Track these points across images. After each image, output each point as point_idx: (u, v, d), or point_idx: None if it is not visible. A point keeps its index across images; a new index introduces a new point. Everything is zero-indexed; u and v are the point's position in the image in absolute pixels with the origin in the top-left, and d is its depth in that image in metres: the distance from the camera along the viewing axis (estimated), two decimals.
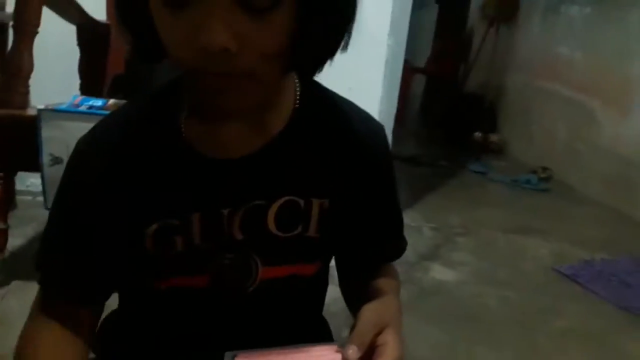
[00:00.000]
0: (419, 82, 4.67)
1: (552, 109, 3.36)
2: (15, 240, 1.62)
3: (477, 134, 3.78)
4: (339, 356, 0.48)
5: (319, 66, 0.49)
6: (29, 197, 1.91)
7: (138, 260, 0.54)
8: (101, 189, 0.52)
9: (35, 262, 0.57)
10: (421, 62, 4.60)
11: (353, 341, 0.48)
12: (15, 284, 1.51)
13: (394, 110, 2.10)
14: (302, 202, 0.56)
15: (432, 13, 4.64)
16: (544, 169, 3.16)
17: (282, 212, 0.55)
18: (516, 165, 3.36)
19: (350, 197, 0.59)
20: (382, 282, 0.62)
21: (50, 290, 0.56)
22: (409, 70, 3.39)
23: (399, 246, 0.66)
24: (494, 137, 3.79)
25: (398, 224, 0.65)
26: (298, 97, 0.56)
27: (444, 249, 1.96)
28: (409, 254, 0.72)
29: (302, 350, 0.49)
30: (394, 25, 2.01)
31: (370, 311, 0.52)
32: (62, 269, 0.55)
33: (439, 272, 1.80)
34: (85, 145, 0.55)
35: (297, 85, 0.56)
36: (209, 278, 0.55)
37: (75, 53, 1.77)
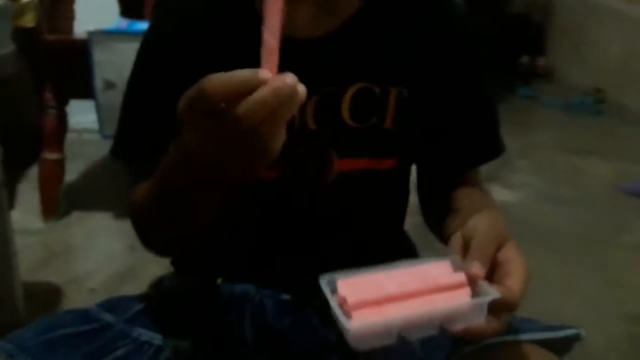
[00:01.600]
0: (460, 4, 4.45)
1: (605, 26, 3.15)
2: (69, 176, 1.62)
3: (524, 58, 3.61)
4: (460, 275, 0.39)
5: None
6: (75, 135, 1.90)
7: None
8: (177, 62, 0.50)
9: (114, 149, 0.56)
10: None
11: (474, 256, 0.40)
12: (76, 214, 1.53)
13: None
14: (377, 89, 0.51)
15: None
16: (598, 90, 3.00)
17: (357, 100, 0.51)
18: (567, 89, 3.20)
19: (433, 87, 0.53)
20: (479, 195, 0.56)
21: (138, 171, 0.52)
22: None
23: (493, 145, 0.58)
24: (541, 61, 3.61)
25: (489, 119, 0.57)
26: None
27: (504, 172, 1.89)
28: None
29: (414, 271, 0.39)
30: None
31: (485, 223, 0.43)
32: (146, 145, 0.51)
33: (500, 194, 1.74)
34: (161, 19, 0.54)
35: None
36: (281, 171, 0.51)
37: None
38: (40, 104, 1.41)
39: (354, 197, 0.54)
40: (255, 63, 0.36)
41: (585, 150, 2.19)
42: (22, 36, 1.50)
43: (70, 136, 1.56)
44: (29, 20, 1.61)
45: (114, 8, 1.65)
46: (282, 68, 0.48)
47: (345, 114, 0.51)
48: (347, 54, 0.50)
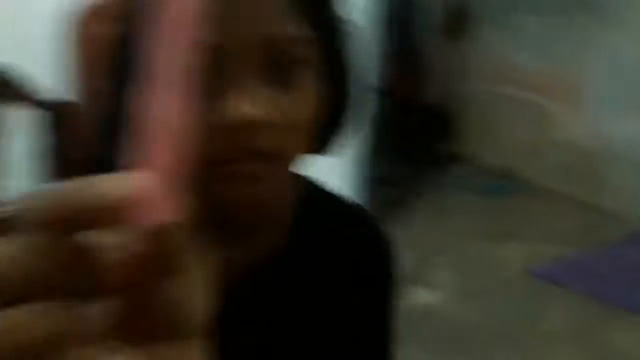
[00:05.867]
0: (383, 104, 4.76)
1: (508, 111, 3.49)
2: None
3: (440, 145, 3.87)
4: None
5: None
6: None
7: None
8: None
9: None
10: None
11: None
12: None
13: (362, 138, 2.12)
14: None
15: (378, 35, 4.75)
16: (508, 170, 3.25)
17: None
18: (481, 172, 3.44)
19: None
20: None
21: None
22: None
23: None
24: (456, 147, 3.88)
25: None
26: None
27: (423, 270, 1.97)
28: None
29: None
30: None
31: None
32: None
33: (422, 296, 1.80)
34: None
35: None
36: None
37: None
38: None
39: None
40: None
41: (499, 234, 2.31)
42: None
43: None
44: None
45: None
46: None
47: None
48: None
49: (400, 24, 4.54)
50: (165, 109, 0.16)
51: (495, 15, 3.72)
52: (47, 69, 1.67)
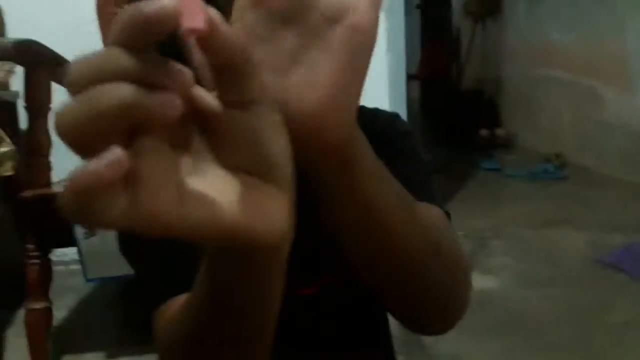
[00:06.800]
0: (414, 88, 4.69)
1: (554, 94, 3.37)
2: (58, 313, 1.61)
3: (483, 131, 3.79)
4: None
5: None
6: (62, 267, 1.90)
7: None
8: None
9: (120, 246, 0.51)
10: (411, 68, 4.62)
11: None
12: (67, 358, 1.50)
13: None
14: None
15: (414, 19, 4.67)
16: (557, 155, 3.16)
17: None
18: (528, 157, 3.35)
19: None
20: None
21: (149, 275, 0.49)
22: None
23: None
24: (500, 131, 3.79)
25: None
26: None
27: (480, 256, 1.95)
28: None
29: None
30: (391, 39, 2.03)
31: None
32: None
33: (480, 281, 1.79)
34: None
35: None
36: None
37: None
38: (24, 252, 1.43)
39: (325, 313, 0.52)
40: None
41: (557, 221, 2.27)
42: (1, 185, 1.54)
43: (56, 269, 1.56)
44: (6, 170, 1.65)
45: None
46: None
47: None
48: None
49: (433, 9, 4.46)
50: None
51: None
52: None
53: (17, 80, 1.68)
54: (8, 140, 1.63)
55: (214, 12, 0.23)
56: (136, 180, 0.22)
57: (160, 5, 0.21)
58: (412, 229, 0.39)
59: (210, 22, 0.22)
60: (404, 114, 2.12)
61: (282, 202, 0.27)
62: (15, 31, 1.85)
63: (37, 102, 1.36)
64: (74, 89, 0.21)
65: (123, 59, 0.21)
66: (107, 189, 0.21)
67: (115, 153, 0.21)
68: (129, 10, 0.21)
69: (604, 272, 1.82)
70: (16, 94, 1.69)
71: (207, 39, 0.23)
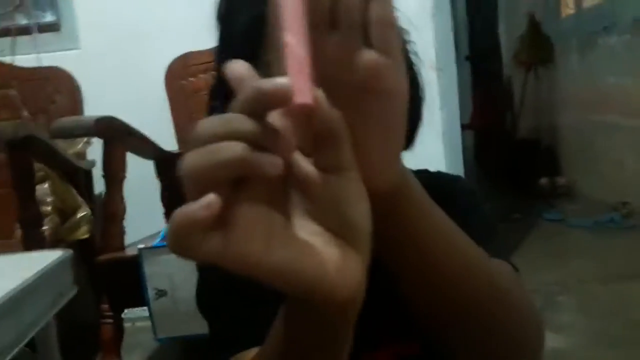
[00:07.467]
0: (467, 138, 4.66)
1: (614, 140, 3.27)
2: None
3: (543, 180, 3.69)
4: None
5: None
6: (129, 324, 1.96)
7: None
8: None
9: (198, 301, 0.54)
10: (464, 118, 4.62)
11: None
12: None
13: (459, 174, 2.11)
14: None
15: (464, 70, 4.71)
16: (624, 204, 3.03)
17: None
18: (591, 206, 3.23)
19: None
20: None
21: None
22: None
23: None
24: (561, 180, 3.69)
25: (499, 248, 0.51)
26: None
27: (547, 312, 1.87)
28: None
29: None
30: (443, 94, 2.06)
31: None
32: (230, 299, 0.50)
33: (550, 339, 1.71)
34: None
35: None
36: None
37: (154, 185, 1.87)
38: (98, 311, 1.50)
39: None
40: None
41: (624, 274, 2.16)
42: (78, 247, 1.64)
43: (125, 325, 1.61)
44: (83, 233, 1.76)
45: (159, 216, 1.80)
46: None
47: None
48: None
49: (484, 55, 4.49)
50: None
51: (580, 39, 3.54)
52: (158, 124, 1.81)
53: (93, 150, 1.82)
54: (85, 206, 1.75)
55: (318, 91, 0.28)
56: (231, 223, 0.26)
57: (278, 84, 0.26)
58: (476, 278, 0.39)
59: (316, 99, 0.27)
60: (459, 165, 2.12)
61: (359, 263, 0.30)
62: (89, 104, 2.01)
63: (114, 171, 1.46)
64: (200, 142, 0.26)
65: (242, 123, 0.26)
66: (202, 227, 0.26)
67: (210, 198, 0.25)
68: (253, 85, 0.27)
69: None
70: (93, 163, 1.83)
71: (312, 112, 0.28)
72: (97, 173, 1.64)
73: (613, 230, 2.78)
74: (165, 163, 1.88)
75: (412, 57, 0.48)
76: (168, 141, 1.82)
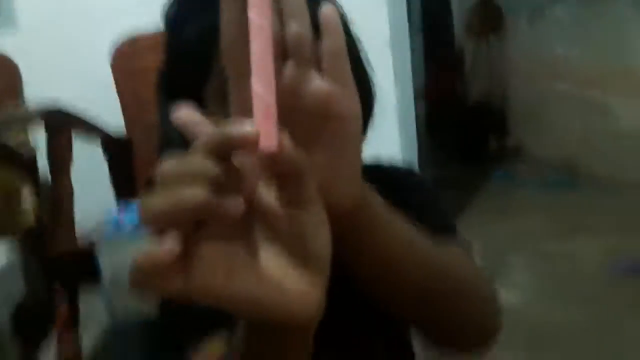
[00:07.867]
0: (419, 108, 4.72)
1: (561, 105, 3.38)
2: None
3: (493, 143, 3.80)
4: None
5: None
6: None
7: None
8: None
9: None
10: (417, 91, 4.67)
11: None
12: None
13: (415, 157, 2.15)
14: None
15: (417, 41, 4.73)
16: (569, 164, 3.15)
17: None
18: (539, 165, 3.35)
19: None
20: None
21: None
22: None
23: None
24: (510, 141, 3.81)
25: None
26: None
27: (500, 271, 1.94)
28: None
29: None
30: (397, 71, 2.08)
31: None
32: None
33: (503, 298, 1.78)
34: None
35: None
36: None
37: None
38: (52, 291, 1.48)
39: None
40: None
41: (572, 230, 2.25)
42: (25, 237, 1.59)
43: None
44: (28, 221, 1.70)
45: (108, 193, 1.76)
46: None
47: None
48: None
49: (437, 27, 4.52)
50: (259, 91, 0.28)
51: (530, 10, 3.63)
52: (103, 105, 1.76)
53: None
54: (29, 195, 1.70)
55: (283, 136, 0.29)
56: (193, 258, 0.28)
57: (245, 131, 0.27)
58: (435, 274, 0.43)
59: (280, 144, 0.29)
60: (413, 136, 2.16)
61: (318, 288, 0.31)
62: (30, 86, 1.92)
63: (60, 158, 1.42)
64: (162, 182, 0.27)
65: (205, 166, 0.27)
66: (164, 267, 0.27)
67: (170, 243, 0.27)
68: (218, 130, 0.28)
69: (621, 280, 1.81)
70: (35, 149, 1.76)
71: (276, 156, 0.29)
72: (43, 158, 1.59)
73: (561, 189, 2.89)
74: (112, 146, 1.84)
75: (363, 60, 0.49)
76: (115, 121, 1.78)
